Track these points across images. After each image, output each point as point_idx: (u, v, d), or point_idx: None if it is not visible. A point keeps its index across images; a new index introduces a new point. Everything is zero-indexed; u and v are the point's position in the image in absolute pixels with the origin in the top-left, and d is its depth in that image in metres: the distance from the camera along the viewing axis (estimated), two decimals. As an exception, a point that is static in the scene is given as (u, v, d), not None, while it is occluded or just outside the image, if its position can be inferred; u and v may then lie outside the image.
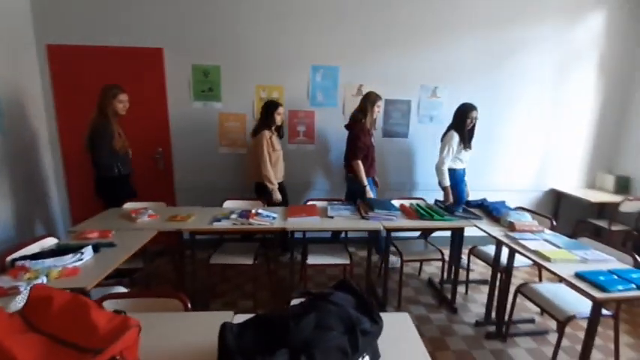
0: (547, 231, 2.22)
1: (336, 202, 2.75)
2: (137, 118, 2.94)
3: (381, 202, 2.60)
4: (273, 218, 2.30)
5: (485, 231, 2.26)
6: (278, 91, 3.31)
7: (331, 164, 3.50)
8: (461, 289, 2.82)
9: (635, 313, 2.59)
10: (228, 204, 2.73)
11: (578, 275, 1.58)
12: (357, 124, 2.92)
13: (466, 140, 3.01)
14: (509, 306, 2.20)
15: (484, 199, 2.79)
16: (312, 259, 2.44)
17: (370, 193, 2.93)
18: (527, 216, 2.38)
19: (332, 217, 2.40)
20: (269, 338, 0.76)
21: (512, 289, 2.21)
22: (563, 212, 3.71)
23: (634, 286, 1.49)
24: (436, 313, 2.55)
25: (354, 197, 2.91)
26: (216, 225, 2.22)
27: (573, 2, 3.37)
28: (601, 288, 1.47)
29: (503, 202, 2.71)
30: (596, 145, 3.74)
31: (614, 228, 3.34)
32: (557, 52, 3.46)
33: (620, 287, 1.48)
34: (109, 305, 1.23)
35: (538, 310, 2.54)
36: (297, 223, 2.31)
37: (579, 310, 1.79)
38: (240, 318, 0.97)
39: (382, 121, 3.44)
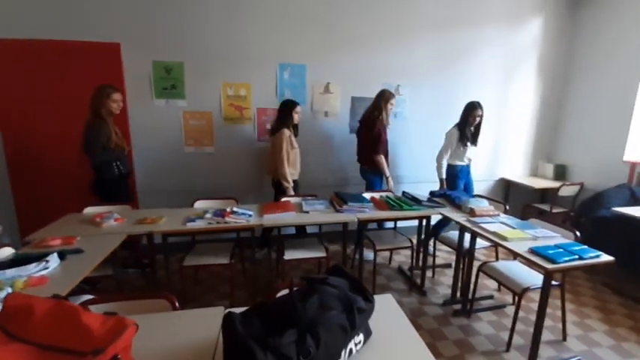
0: (502, 215, 2.45)
1: (309, 198, 2.80)
2: (94, 118, 2.76)
3: (353, 195, 2.70)
4: (249, 216, 2.30)
5: (450, 217, 2.45)
6: (245, 88, 3.28)
7: (301, 161, 3.53)
8: (428, 273, 3.02)
9: (575, 284, 2.95)
10: (200, 204, 2.67)
11: (532, 250, 1.79)
12: (377, 121, 3.06)
13: (465, 138, 3.15)
14: (472, 285, 2.41)
15: (446, 190, 3.00)
16: (288, 255, 2.47)
17: (391, 183, 3.17)
18: (485, 202, 2.61)
19: (307, 212, 2.45)
20: (274, 322, 0.80)
21: (473, 270, 2.42)
22: (512, 198, 4.10)
23: (577, 256, 1.72)
24: (407, 297, 2.71)
25: (373, 188, 3.14)
26: (191, 225, 2.17)
27: (514, 8, 3.72)
28: (551, 260, 1.68)
29: (463, 191, 2.94)
30: (538, 138, 4.17)
31: (554, 210, 3.76)
32: (502, 53, 3.80)
33: (566, 258, 1.70)
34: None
35: (495, 287, 2.81)
36: (274, 219, 2.33)
37: (532, 282, 2.02)
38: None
39: (349, 118, 3.56)
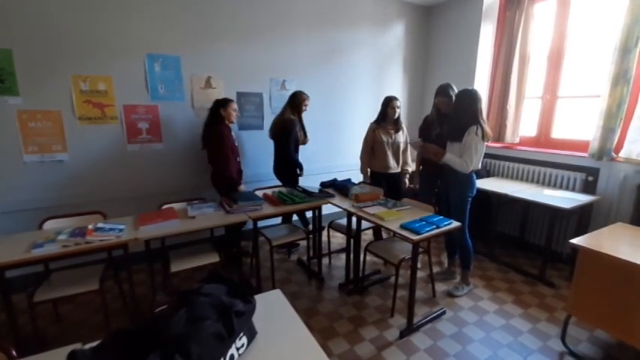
0: (381, 198, 2.74)
1: (196, 202, 2.59)
2: None
3: (244, 194, 2.62)
4: (120, 230, 1.99)
5: (337, 205, 2.61)
6: (105, 82, 2.80)
7: (186, 163, 3.25)
8: (326, 260, 3.17)
9: (439, 248, 3.53)
10: (51, 224, 2.19)
11: (402, 226, 2.05)
12: None
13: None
14: (361, 264, 2.64)
15: (335, 179, 3.19)
16: (175, 266, 2.24)
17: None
18: (367, 188, 2.88)
19: (194, 217, 2.27)
20: (136, 348, 0.69)
21: (363, 251, 2.65)
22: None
23: (435, 226, 2.05)
24: (307, 286, 2.79)
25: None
26: (38, 252, 1.75)
27: (381, 14, 4.16)
28: (416, 232, 1.96)
29: (349, 180, 3.18)
30: (408, 127, 4.79)
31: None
32: (375, 52, 4.22)
33: (428, 229, 2.00)
34: None
35: (382, 261, 3.14)
36: (153, 230, 2.07)
37: (406, 253, 2.32)
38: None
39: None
